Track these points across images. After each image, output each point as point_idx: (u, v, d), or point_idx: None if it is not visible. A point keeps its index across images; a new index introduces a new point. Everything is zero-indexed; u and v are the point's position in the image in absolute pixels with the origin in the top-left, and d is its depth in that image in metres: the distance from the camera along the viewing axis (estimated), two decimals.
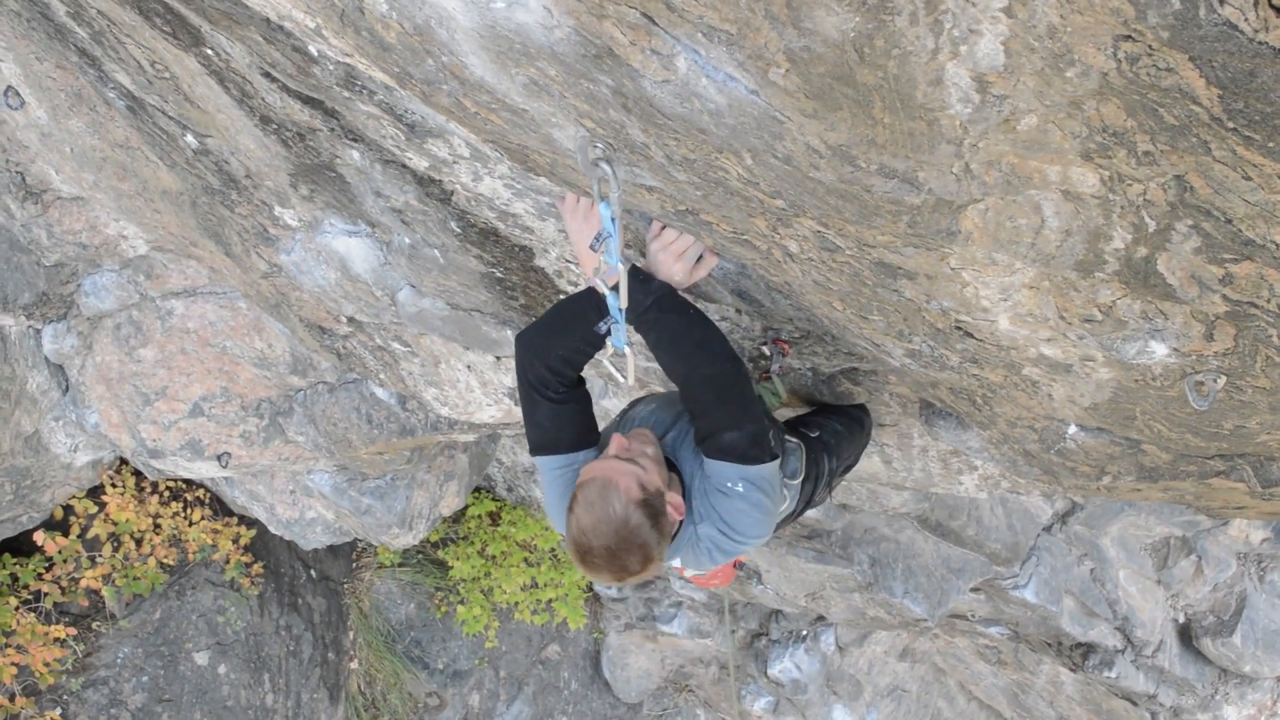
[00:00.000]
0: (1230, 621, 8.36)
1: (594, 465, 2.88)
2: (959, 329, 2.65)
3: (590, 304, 2.93)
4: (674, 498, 2.90)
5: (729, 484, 2.92)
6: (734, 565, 4.13)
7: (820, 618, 9.64)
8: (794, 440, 3.71)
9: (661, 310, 2.87)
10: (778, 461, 3.01)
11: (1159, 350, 2.38)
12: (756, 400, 2.98)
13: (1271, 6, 1.39)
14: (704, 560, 3.13)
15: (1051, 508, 7.78)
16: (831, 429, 4.03)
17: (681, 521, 3.02)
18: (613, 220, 2.51)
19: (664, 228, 2.94)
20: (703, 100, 1.97)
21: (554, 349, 3.01)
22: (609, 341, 2.99)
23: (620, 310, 2.81)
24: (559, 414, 3.11)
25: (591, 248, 2.73)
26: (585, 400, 3.18)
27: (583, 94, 2.16)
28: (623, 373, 3.11)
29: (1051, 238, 2.08)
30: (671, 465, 3.08)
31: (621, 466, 2.82)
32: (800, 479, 3.70)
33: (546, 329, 3.06)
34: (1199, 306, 2.16)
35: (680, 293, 2.99)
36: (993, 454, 3.94)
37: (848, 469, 4.29)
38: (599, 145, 2.37)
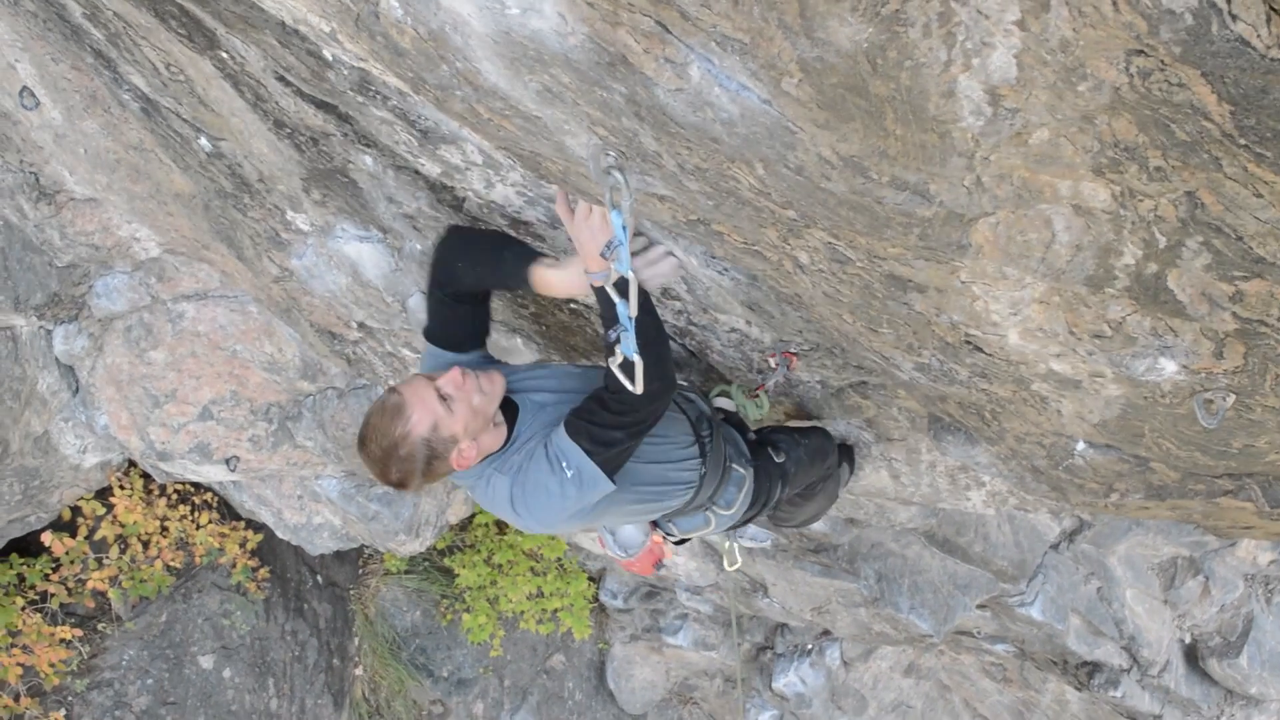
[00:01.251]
0: (1237, 643, 8.33)
1: (415, 383, 2.95)
2: (968, 343, 2.65)
3: (522, 250, 3.07)
4: (467, 448, 2.94)
5: (564, 463, 2.93)
6: (652, 564, 4.17)
7: (826, 632, 9.61)
8: (742, 470, 3.72)
9: (643, 312, 2.89)
10: (610, 489, 2.99)
11: (1168, 367, 2.38)
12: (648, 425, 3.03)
13: None
14: (481, 499, 3.21)
15: (1059, 525, 7.75)
16: (797, 458, 4.04)
17: (484, 462, 3.08)
18: (623, 228, 2.51)
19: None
20: (715, 109, 1.98)
21: (471, 269, 3.12)
22: (617, 349, 2.98)
23: (630, 318, 2.81)
24: (441, 309, 3.24)
25: (602, 255, 2.74)
26: (473, 311, 3.27)
27: (596, 101, 2.17)
28: (632, 380, 3.09)
29: (1062, 252, 2.08)
30: (513, 413, 3.13)
31: (430, 401, 2.88)
32: (733, 509, 3.75)
33: (477, 246, 3.17)
34: (1209, 324, 2.15)
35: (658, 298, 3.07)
36: (1001, 470, 3.93)
37: (799, 496, 4.31)
38: (611, 153, 2.38)
